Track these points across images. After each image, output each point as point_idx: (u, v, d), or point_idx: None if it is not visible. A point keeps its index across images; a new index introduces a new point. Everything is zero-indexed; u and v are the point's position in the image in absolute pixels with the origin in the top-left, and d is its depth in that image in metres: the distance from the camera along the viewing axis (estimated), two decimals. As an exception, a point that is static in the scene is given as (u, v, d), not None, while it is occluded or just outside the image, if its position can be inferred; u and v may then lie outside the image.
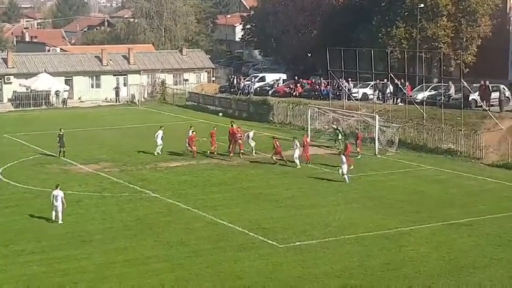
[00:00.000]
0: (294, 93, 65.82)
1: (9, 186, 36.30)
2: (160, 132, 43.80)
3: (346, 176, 36.62)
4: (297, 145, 40.85)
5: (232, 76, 77.61)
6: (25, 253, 26.02)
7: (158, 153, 43.39)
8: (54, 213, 29.85)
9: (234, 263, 25.12)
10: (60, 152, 43.13)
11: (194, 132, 43.38)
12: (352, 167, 38.98)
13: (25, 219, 30.33)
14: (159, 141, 43.63)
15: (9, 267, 24.62)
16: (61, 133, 43.52)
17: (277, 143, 41.39)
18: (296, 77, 69.47)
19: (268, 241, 27.29)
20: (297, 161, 40.51)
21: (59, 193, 29.87)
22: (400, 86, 56.15)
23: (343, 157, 37.22)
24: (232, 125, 44.62)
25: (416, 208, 32.12)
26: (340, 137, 46.98)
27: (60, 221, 29.68)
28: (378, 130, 45.01)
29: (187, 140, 43.11)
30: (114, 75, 74.35)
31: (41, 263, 24.93)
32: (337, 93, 59.84)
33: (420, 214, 31.12)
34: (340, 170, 36.78)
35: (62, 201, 29.75)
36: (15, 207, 32.28)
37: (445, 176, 38.71)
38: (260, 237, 27.74)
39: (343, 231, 28.58)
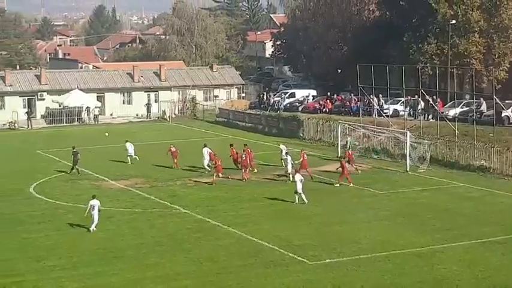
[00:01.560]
0: (324, 110, 65.73)
1: (41, 202, 36.67)
2: (206, 150, 43.37)
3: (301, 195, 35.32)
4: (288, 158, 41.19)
5: (263, 92, 77.85)
6: (57, 269, 26.22)
7: (208, 170, 42.69)
8: (92, 222, 30.86)
9: (264, 279, 25.05)
10: (72, 168, 43.42)
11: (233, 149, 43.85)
12: (352, 185, 39.13)
13: (57, 235, 30.59)
14: (207, 157, 43.02)
15: (42, 282, 24.82)
16: (74, 150, 43.91)
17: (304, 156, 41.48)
18: (328, 93, 69.44)
19: (298, 258, 27.17)
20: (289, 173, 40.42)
21: (95, 203, 30.92)
22: (431, 102, 55.80)
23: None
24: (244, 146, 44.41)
25: (449, 225, 31.76)
26: (348, 145, 47.40)
27: (91, 229, 30.56)
28: (409, 146, 44.72)
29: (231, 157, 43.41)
30: (145, 91, 75.01)
31: (73, 279, 25.09)
32: (368, 110, 59.64)
33: (452, 232, 30.76)
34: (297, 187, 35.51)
35: (98, 210, 30.81)
36: (47, 223, 32.59)
37: (477, 194, 38.25)
38: (290, 254, 27.63)
39: (374, 248, 28.35)
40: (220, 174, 40.94)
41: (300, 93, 74.14)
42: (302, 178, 35.73)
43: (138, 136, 57.05)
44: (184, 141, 51.48)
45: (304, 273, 25.56)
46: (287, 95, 74.12)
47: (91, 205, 31.02)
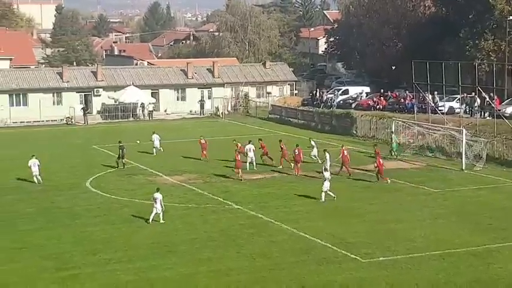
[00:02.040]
0: (378, 107, 65.17)
1: (97, 196, 37.30)
2: (251, 147, 43.74)
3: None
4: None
5: (315, 89, 77.56)
6: (112, 262, 26.65)
7: (252, 168, 43.04)
8: (153, 214, 31.51)
9: (316, 276, 25.01)
10: (118, 163, 44.16)
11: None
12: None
13: (113, 229, 31.08)
14: (251, 154, 43.34)
15: (98, 275, 25.26)
16: (121, 144, 44.63)
17: (344, 151, 41.61)
18: (382, 90, 68.84)
19: (351, 255, 27.05)
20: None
21: (158, 196, 31.71)
22: (488, 99, 54.82)
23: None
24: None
25: (505, 225, 31.19)
26: (394, 145, 47.11)
27: (161, 221, 31.60)
28: (465, 144, 44.03)
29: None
30: (198, 88, 75.54)
31: (128, 272, 25.47)
32: (422, 107, 58.88)
33: (509, 231, 30.19)
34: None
35: (160, 203, 31.51)
36: (103, 217, 33.14)
37: (536, 193, 37.49)
38: (343, 252, 27.53)
39: (428, 247, 28.04)
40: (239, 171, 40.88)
41: (354, 90, 73.63)
42: (329, 177, 35.93)
43: (192, 132, 57.49)
44: (237, 137, 51.61)
45: (357, 271, 25.44)
46: (340, 92, 73.70)
47: (154, 197, 31.83)
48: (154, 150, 48.48)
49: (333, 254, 27.29)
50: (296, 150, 42.24)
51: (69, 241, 29.27)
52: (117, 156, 44.78)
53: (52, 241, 29.22)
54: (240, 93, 75.80)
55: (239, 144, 44.10)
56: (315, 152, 45.18)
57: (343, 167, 41.57)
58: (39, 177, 39.89)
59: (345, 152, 42.01)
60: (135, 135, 56.68)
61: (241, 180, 40.20)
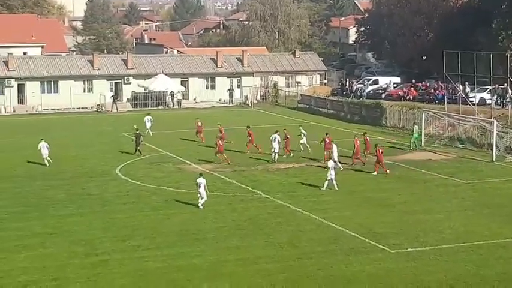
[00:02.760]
0: (408, 97, 64.71)
1: (126, 184, 37.59)
2: (276, 136, 43.13)
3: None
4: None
5: (345, 79, 77.24)
6: (141, 249, 26.87)
7: (272, 159, 42.65)
8: (199, 199, 32.05)
9: (344, 266, 25.00)
10: (136, 150, 44.65)
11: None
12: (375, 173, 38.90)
13: (141, 216, 31.32)
14: (275, 145, 42.70)
15: (126, 261, 25.50)
16: (138, 132, 45.20)
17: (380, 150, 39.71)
18: (413, 81, 68.33)
19: (380, 246, 26.98)
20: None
21: (202, 181, 32.11)
22: (520, 90, 54.18)
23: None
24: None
25: (536, 218, 30.88)
26: (415, 136, 46.76)
27: (200, 206, 32.04)
28: (496, 136, 43.57)
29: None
30: (228, 77, 75.60)
31: (156, 259, 25.67)
32: (453, 98, 58.35)
33: (540, 224, 29.90)
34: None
35: (204, 188, 32.03)
36: (132, 204, 33.41)
37: None
38: (371, 242, 27.47)
39: (457, 238, 27.87)
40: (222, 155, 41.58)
41: (383, 80, 73.28)
42: (334, 166, 36.07)
43: (220, 121, 57.54)
44: (266, 126, 51.66)
45: (385, 262, 25.38)
46: (370, 82, 73.34)
47: (197, 183, 32.16)
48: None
49: (361, 244, 27.24)
50: (326, 139, 42.11)
51: (98, 227, 29.57)
52: (135, 144, 45.04)
53: (82, 227, 29.55)
54: (269, 82, 75.72)
55: (222, 130, 45.06)
56: (304, 140, 44.76)
57: (356, 157, 40.99)
58: (48, 158, 41.29)
59: (358, 142, 41.52)
60: (165, 124, 57.06)
61: (228, 164, 41.11)
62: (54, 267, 24.76)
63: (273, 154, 42.66)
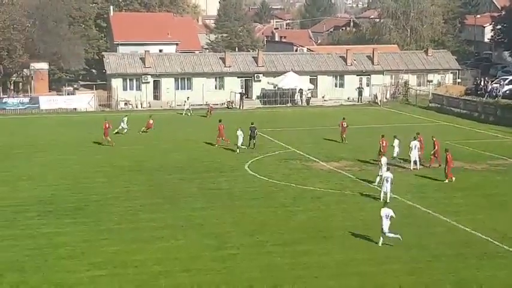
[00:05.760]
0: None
1: (255, 179, 38.12)
2: (416, 143, 40.61)
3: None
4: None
5: (480, 78, 74.71)
6: (269, 244, 27.18)
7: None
8: (382, 194, 32.37)
9: (476, 271, 24.27)
10: (250, 143, 45.82)
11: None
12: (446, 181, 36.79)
13: (269, 212, 31.67)
14: (415, 153, 40.32)
15: (254, 256, 25.88)
16: (253, 126, 46.42)
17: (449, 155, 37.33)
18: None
19: (514, 252, 26.01)
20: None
21: (389, 175, 32.49)
22: None
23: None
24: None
25: None
26: None
27: (388, 201, 31.28)
28: None
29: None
30: (357, 75, 75.04)
31: (284, 255, 25.89)
32: None
33: None
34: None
35: (391, 182, 32.35)
36: (260, 200, 33.84)
37: None
38: (505, 247, 26.51)
39: None
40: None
41: (521, 80, 70.20)
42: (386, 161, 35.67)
43: (349, 120, 57.24)
44: (395, 125, 50.91)
45: (521, 268, 24.42)
46: (506, 82, 70.50)
47: (384, 177, 32.52)
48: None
49: (495, 249, 26.34)
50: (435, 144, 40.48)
51: (228, 221, 30.17)
52: (249, 137, 46.07)
53: (212, 220, 30.25)
54: (399, 80, 74.50)
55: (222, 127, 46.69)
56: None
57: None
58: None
59: (384, 142, 40.43)
60: (294, 121, 57.41)
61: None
62: (185, 259, 25.49)
63: (412, 163, 40.28)
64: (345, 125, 48.31)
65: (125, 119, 51.70)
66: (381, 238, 26.80)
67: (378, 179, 35.43)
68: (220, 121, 47.57)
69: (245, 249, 26.56)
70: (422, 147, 40.75)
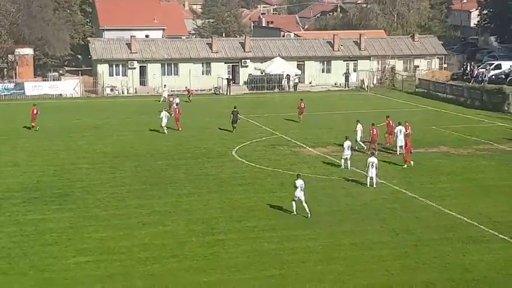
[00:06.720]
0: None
1: (242, 165, 38.12)
2: (401, 128, 40.61)
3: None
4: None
5: (466, 63, 74.96)
6: (256, 229, 27.26)
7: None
8: (368, 179, 32.74)
9: (462, 255, 24.45)
10: (233, 127, 46.59)
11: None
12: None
13: (256, 197, 31.73)
14: (400, 137, 40.27)
15: (242, 241, 25.95)
16: (235, 110, 46.99)
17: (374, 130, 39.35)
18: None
19: (500, 235, 26.24)
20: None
21: (374, 160, 32.80)
22: None
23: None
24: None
25: None
26: None
27: (374, 186, 32.73)
28: None
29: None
30: (344, 60, 75.04)
31: (271, 240, 25.98)
32: None
33: None
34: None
35: (376, 167, 32.78)
36: (247, 185, 33.87)
37: None
38: (490, 231, 26.72)
39: None
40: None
41: (507, 65, 70.53)
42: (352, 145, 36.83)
43: (336, 105, 57.46)
44: (382, 111, 50.89)
45: (506, 251, 24.65)
46: (492, 67, 70.80)
47: (370, 162, 32.76)
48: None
49: (480, 233, 26.54)
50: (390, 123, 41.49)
51: (215, 207, 30.21)
52: (231, 121, 46.64)
53: (199, 206, 30.27)
54: (386, 66, 74.58)
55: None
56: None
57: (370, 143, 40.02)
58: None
59: (375, 130, 39.92)
60: (281, 107, 57.40)
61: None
62: (173, 245, 25.53)
63: (398, 148, 40.47)
64: (303, 106, 50.32)
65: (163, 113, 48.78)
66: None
67: (342, 161, 36.55)
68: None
69: (232, 235, 26.62)
70: (410, 134, 40.84)
